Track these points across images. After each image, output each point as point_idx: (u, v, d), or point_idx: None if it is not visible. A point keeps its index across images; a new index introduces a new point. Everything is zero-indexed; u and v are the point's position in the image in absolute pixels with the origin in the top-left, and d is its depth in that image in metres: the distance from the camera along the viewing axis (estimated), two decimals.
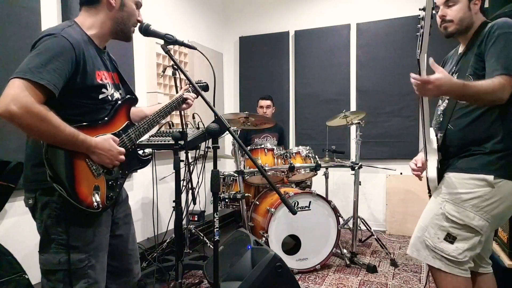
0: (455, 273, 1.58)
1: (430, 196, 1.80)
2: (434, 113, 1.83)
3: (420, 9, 1.45)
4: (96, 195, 1.34)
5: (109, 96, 1.46)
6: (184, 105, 1.79)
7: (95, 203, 1.33)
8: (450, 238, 1.56)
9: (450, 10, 1.62)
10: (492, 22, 1.55)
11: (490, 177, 1.52)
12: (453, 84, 1.45)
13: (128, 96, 1.56)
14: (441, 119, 1.74)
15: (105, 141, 1.38)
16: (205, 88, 2.00)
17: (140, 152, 1.62)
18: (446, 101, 1.73)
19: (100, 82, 1.42)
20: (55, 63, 1.24)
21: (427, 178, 1.73)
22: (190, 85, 1.89)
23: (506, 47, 1.46)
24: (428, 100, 1.63)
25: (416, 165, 1.85)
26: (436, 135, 1.74)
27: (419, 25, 1.49)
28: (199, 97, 1.62)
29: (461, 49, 1.73)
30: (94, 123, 1.39)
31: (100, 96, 1.42)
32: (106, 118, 1.44)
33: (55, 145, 1.25)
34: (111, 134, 1.44)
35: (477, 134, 1.58)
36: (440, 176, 1.68)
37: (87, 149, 1.32)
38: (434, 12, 1.54)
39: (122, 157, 1.43)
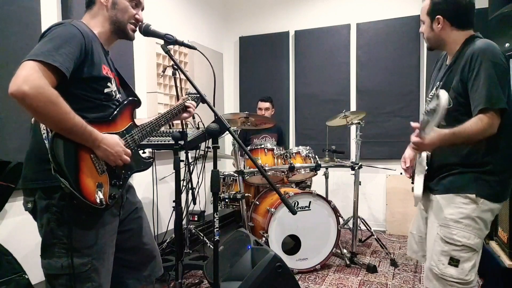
0: None
1: (412, 182, 1.84)
2: None
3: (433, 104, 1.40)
4: (100, 192, 1.33)
5: (112, 92, 1.46)
6: (185, 114, 1.78)
7: (98, 200, 1.31)
8: (454, 262, 1.58)
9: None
10: (475, 45, 1.55)
11: (472, 195, 1.56)
12: (443, 137, 1.50)
13: (132, 98, 1.57)
14: None
15: (112, 138, 1.38)
16: (202, 100, 2.00)
17: (141, 153, 1.62)
18: None
19: (105, 75, 1.43)
20: (67, 48, 1.25)
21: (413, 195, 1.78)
22: (190, 95, 1.91)
23: (488, 79, 1.48)
24: None
25: (405, 164, 1.87)
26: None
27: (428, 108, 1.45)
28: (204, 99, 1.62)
29: (448, 60, 1.73)
30: (99, 120, 1.39)
31: (105, 90, 1.42)
32: (111, 117, 1.44)
33: (61, 133, 1.23)
34: (115, 133, 1.44)
35: (457, 152, 1.61)
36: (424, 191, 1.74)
37: (93, 142, 1.31)
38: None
39: (127, 158, 1.42)
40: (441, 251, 1.60)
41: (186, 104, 1.77)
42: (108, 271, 1.45)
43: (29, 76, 1.14)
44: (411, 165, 1.84)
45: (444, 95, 1.36)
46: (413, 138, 1.54)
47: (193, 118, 2.50)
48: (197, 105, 1.96)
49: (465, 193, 1.58)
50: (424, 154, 1.78)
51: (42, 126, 1.29)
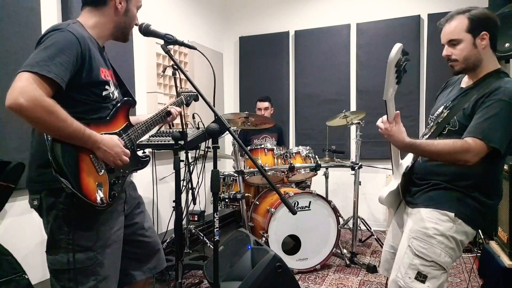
0: None
1: None
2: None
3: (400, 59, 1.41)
4: (100, 192, 1.35)
5: (110, 94, 1.47)
6: (168, 118, 1.82)
7: (99, 199, 1.33)
8: (421, 277, 1.52)
9: (455, 49, 1.56)
10: (502, 81, 1.48)
11: (451, 214, 1.52)
12: (401, 140, 1.52)
13: (127, 98, 1.57)
14: None
15: (111, 139, 1.39)
16: (195, 98, 2.05)
17: (139, 153, 1.64)
18: (429, 134, 1.69)
19: (104, 79, 1.44)
20: (62, 57, 1.25)
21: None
22: (183, 93, 1.94)
23: (497, 116, 1.41)
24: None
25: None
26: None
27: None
28: (199, 96, 1.64)
29: (465, 83, 1.64)
30: (96, 121, 1.40)
31: (104, 93, 1.43)
32: (107, 118, 1.45)
33: (60, 139, 1.25)
34: (113, 133, 1.45)
35: (441, 173, 1.57)
36: (396, 203, 1.76)
37: (92, 144, 1.33)
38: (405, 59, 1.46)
39: (126, 158, 1.44)
40: (410, 264, 1.55)
41: (169, 109, 1.81)
42: (114, 265, 1.48)
43: (24, 88, 1.15)
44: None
45: (395, 48, 1.35)
46: (381, 119, 1.57)
47: (193, 118, 2.50)
48: (188, 104, 1.99)
49: (445, 210, 1.52)
50: (406, 161, 1.76)
51: None
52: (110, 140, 1.38)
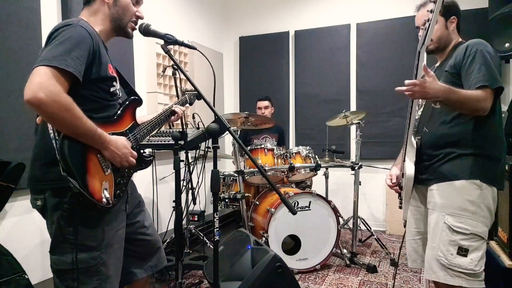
0: (475, 287, 1.56)
1: (400, 203, 1.91)
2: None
3: (431, 1, 1.50)
4: (106, 191, 1.35)
5: (117, 90, 1.48)
6: (172, 117, 1.83)
7: (104, 199, 1.34)
8: (463, 251, 1.56)
9: None
10: (468, 42, 1.66)
11: (477, 181, 1.58)
12: (439, 87, 1.52)
13: (134, 97, 1.59)
14: (417, 123, 1.83)
15: (120, 140, 1.40)
16: (198, 97, 2.06)
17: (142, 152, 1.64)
18: (422, 107, 1.82)
19: (112, 74, 1.45)
20: (78, 51, 1.26)
21: (402, 175, 1.79)
22: (186, 93, 1.95)
23: (486, 63, 1.56)
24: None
25: (391, 180, 1.94)
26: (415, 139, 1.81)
27: (425, 18, 1.55)
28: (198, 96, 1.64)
29: (437, 64, 1.85)
30: (104, 120, 1.41)
31: (111, 89, 1.44)
32: (115, 117, 1.47)
33: (72, 137, 1.25)
34: (119, 132, 1.46)
35: (450, 134, 1.64)
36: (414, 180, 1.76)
37: (101, 144, 1.33)
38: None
39: (133, 159, 1.44)
40: (449, 240, 1.58)
41: (173, 108, 1.81)
42: (117, 264, 1.49)
43: (44, 83, 1.15)
44: (398, 181, 1.88)
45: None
46: (406, 81, 1.54)
47: (193, 118, 2.50)
48: (192, 103, 1.99)
49: (469, 179, 1.57)
50: (413, 138, 1.80)
51: (50, 126, 1.29)
52: (118, 141, 1.39)
